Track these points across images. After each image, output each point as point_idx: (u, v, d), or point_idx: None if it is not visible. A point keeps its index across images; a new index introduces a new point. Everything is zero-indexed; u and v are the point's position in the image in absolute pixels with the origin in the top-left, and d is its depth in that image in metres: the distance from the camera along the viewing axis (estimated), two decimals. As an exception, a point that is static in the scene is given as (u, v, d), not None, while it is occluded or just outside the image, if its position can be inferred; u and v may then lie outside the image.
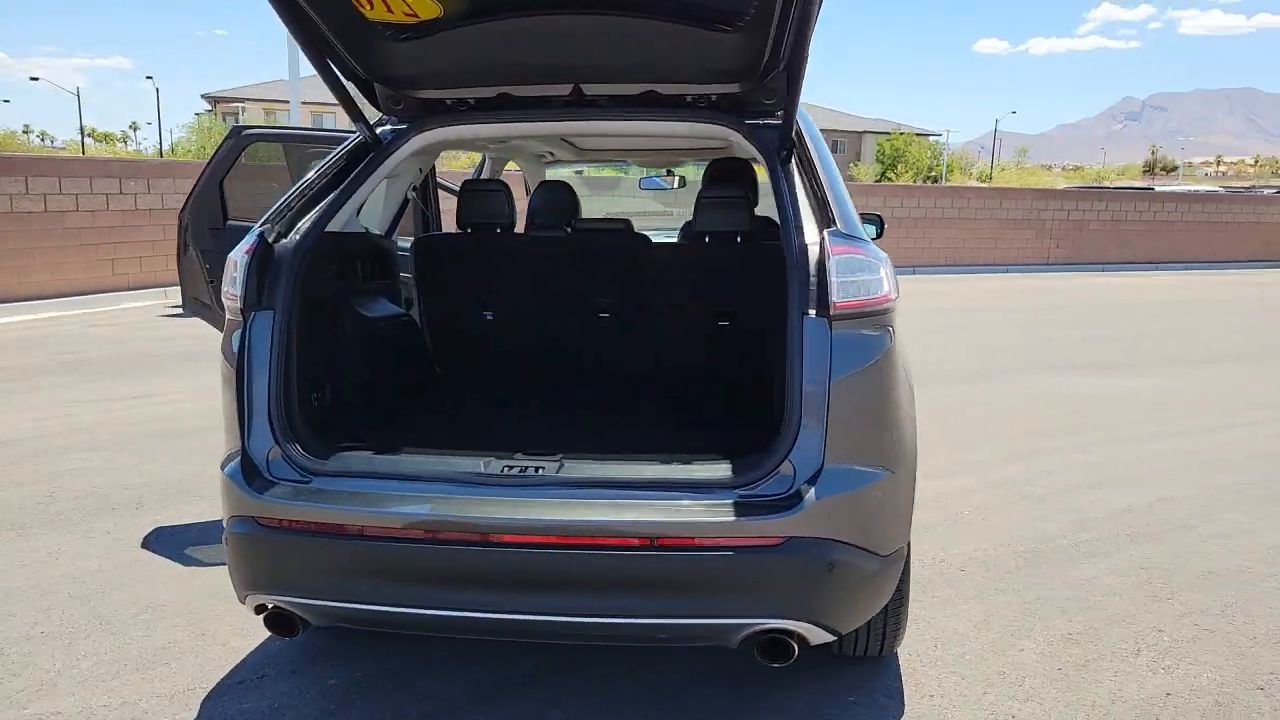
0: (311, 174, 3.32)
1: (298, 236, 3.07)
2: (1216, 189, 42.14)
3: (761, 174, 6.06)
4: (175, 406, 7.28)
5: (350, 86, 3.28)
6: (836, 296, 2.66)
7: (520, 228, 4.20)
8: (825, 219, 2.86)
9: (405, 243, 4.25)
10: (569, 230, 4.23)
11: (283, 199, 3.19)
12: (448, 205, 5.04)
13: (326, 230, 3.17)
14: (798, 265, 2.76)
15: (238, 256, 2.97)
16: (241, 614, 3.70)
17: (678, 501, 2.62)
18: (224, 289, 3.02)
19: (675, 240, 5.20)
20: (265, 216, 3.12)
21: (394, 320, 3.96)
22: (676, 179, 6.47)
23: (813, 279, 2.73)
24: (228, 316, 3.00)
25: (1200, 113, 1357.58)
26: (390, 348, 3.92)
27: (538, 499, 2.66)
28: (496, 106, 3.42)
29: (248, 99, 62.98)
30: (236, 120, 53.62)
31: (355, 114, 3.32)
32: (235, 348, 2.91)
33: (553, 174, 6.17)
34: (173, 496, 5.17)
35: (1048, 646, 3.58)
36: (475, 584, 2.65)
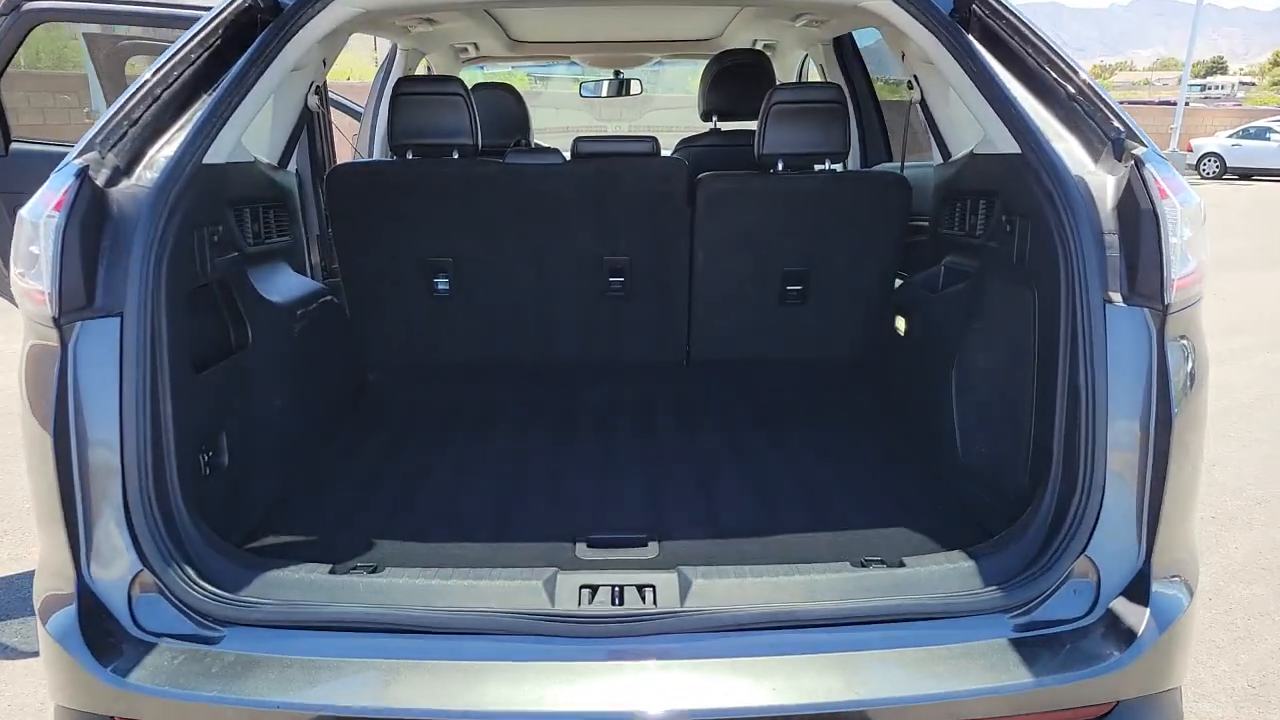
0: (158, 65, 1.89)
1: (156, 174, 1.69)
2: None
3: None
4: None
5: None
6: (1176, 272, 1.55)
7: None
8: (1094, 131, 1.73)
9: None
10: (565, 155, 2.94)
11: (113, 108, 1.78)
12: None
13: (206, 162, 1.80)
14: (1086, 212, 1.62)
15: (36, 216, 1.57)
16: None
17: (919, 646, 1.49)
18: (16, 275, 1.62)
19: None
20: (85, 140, 1.71)
21: (316, 304, 2.58)
22: (614, 84, 5.13)
23: (1109, 237, 1.61)
24: (30, 340, 1.62)
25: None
26: (318, 352, 2.54)
27: (672, 660, 1.47)
28: None
29: None
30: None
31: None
32: (50, 387, 1.54)
33: (467, 77, 4.71)
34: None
35: (1237, 712, 2.69)
36: None
